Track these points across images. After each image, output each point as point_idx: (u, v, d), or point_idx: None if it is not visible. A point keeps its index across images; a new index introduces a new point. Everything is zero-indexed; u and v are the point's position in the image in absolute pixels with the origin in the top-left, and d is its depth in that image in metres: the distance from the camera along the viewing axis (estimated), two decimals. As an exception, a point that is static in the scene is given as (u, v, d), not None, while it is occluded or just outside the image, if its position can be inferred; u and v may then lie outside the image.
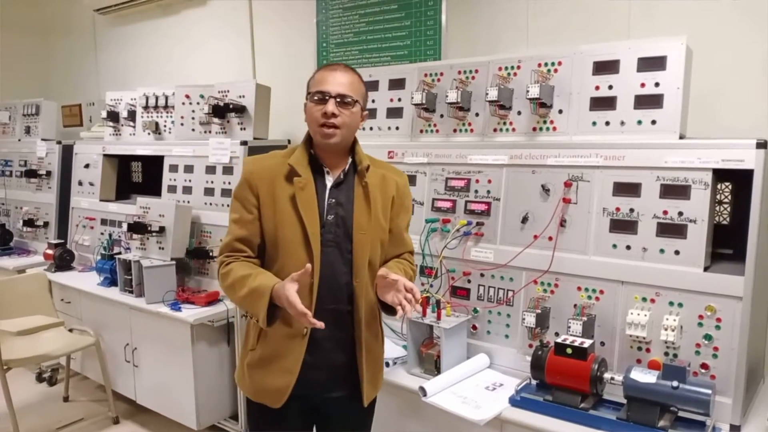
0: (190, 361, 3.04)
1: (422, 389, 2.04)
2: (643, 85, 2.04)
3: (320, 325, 1.59)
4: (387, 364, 2.27)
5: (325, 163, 1.82)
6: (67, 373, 3.87)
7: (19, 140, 4.89)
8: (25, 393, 3.92)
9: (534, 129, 2.29)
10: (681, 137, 1.98)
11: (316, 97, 1.75)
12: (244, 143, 3.21)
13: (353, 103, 1.76)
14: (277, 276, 1.70)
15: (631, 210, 1.99)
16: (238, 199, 1.80)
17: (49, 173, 4.49)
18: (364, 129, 2.79)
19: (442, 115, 2.54)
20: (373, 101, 2.77)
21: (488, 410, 1.93)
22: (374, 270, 1.80)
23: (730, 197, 2.16)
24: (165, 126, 3.79)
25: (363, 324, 1.79)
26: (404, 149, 2.59)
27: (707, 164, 1.86)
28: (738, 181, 2.04)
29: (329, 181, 1.81)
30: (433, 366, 2.22)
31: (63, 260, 3.95)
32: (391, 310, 1.75)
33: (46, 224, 4.48)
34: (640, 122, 2.05)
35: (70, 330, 3.57)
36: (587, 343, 1.88)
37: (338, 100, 1.73)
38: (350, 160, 1.84)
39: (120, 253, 3.54)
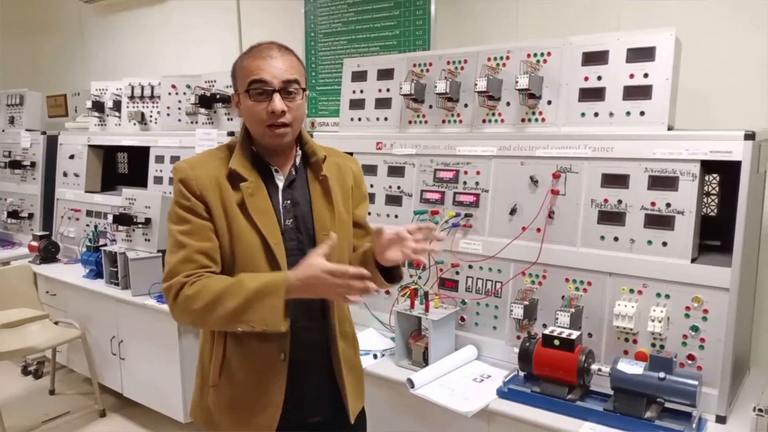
0: (177, 354, 3.02)
1: (410, 381, 2.04)
2: (632, 76, 2.04)
3: (374, 288, 1.38)
4: (375, 356, 2.27)
5: (272, 161, 1.57)
6: (53, 366, 3.84)
7: (3, 131, 4.84)
8: (11, 386, 3.89)
9: (523, 120, 2.28)
10: (669, 128, 1.98)
11: (254, 91, 1.48)
12: (231, 134, 3.18)
13: (301, 92, 1.52)
14: None
15: (619, 201, 1.99)
16: (183, 207, 1.49)
17: (33, 164, 4.44)
18: (352, 120, 2.78)
19: (430, 106, 2.53)
20: (362, 91, 2.75)
21: (476, 402, 1.93)
22: None
23: (717, 189, 2.16)
24: (151, 116, 3.75)
25: (339, 339, 1.62)
26: (392, 140, 2.57)
27: (695, 156, 1.85)
28: (726, 172, 2.04)
29: (280, 181, 1.58)
30: (420, 358, 2.21)
31: (48, 252, 3.92)
32: (395, 277, 1.61)
33: (30, 216, 4.43)
34: (628, 113, 2.04)
35: (56, 322, 3.54)
36: (575, 334, 1.88)
37: (283, 90, 1.48)
38: (299, 152, 1.62)
39: (106, 245, 3.50)
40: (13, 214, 4.39)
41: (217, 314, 1.42)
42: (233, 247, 1.51)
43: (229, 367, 1.56)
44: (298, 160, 1.62)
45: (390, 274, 1.62)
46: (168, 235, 1.53)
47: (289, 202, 1.57)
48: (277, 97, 1.47)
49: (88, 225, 3.93)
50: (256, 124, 1.51)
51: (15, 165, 4.46)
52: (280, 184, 1.58)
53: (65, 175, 4.17)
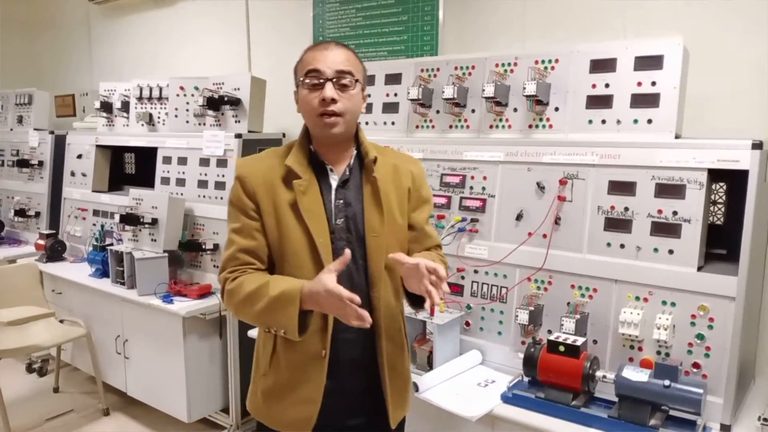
0: (181, 354, 3.03)
1: (415, 385, 2.04)
2: (639, 84, 2.04)
3: (368, 321, 1.37)
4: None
5: (327, 159, 1.60)
6: (58, 364, 3.85)
7: (11, 130, 4.86)
8: (15, 384, 3.89)
9: (530, 126, 2.29)
10: (677, 137, 1.98)
11: (309, 81, 1.51)
12: (238, 136, 3.19)
13: (353, 84, 1.53)
14: None
15: (626, 209, 1.99)
16: (236, 205, 1.58)
17: (41, 163, 4.46)
18: (360, 124, 2.78)
19: (438, 111, 2.54)
20: (369, 96, 2.75)
21: (480, 407, 1.93)
22: (395, 277, 1.60)
23: (724, 197, 2.17)
24: (159, 117, 3.77)
25: (384, 340, 1.61)
26: (400, 144, 2.57)
27: (702, 164, 1.86)
28: (733, 181, 2.04)
29: (334, 180, 1.59)
30: (425, 362, 2.22)
31: (54, 251, 3.93)
32: (418, 303, 1.58)
33: (37, 214, 4.45)
34: (636, 121, 2.05)
35: (61, 321, 3.55)
36: (580, 341, 1.88)
37: (336, 80, 1.50)
38: (355, 152, 1.63)
39: (112, 244, 3.52)
40: (21, 213, 4.41)
41: (249, 314, 1.51)
42: (282, 243, 1.55)
43: (278, 358, 1.60)
44: (353, 161, 1.63)
45: (415, 301, 1.60)
46: None
47: (341, 201, 1.58)
48: (329, 85, 1.49)
49: (94, 224, 3.95)
50: (309, 114, 1.54)
51: (23, 164, 4.48)
52: (334, 184, 1.59)
53: (73, 174, 4.19)
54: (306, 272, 1.52)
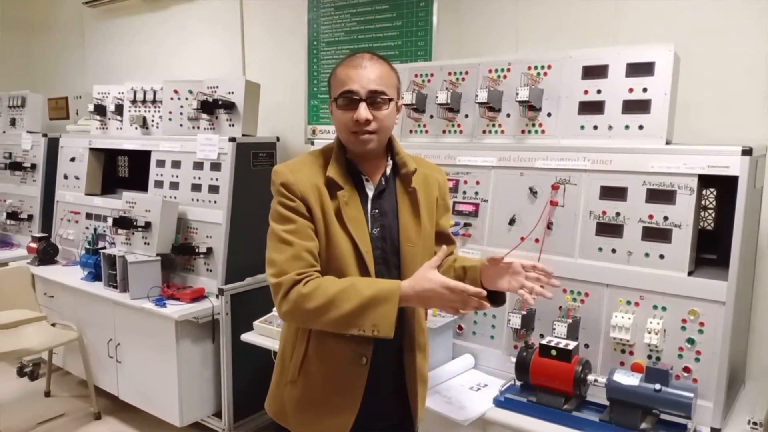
0: (174, 358, 3.02)
1: (407, 389, 2.04)
2: (631, 90, 2.06)
3: (488, 305, 1.51)
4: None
5: (363, 169, 1.62)
6: (49, 368, 3.84)
7: (4, 132, 4.84)
8: (6, 388, 3.88)
9: (523, 131, 2.30)
10: (668, 143, 2.00)
11: (342, 101, 1.53)
12: (232, 140, 3.19)
13: (387, 102, 1.54)
14: None
15: (617, 214, 2.01)
16: (288, 208, 1.54)
17: (34, 166, 4.45)
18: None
19: (431, 116, 2.55)
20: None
21: (472, 410, 1.93)
22: None
23: (714, 203, 2.18)
24: (152, 121, 3.77)
25: (412, 345, 1.67)
26: (393, 149, 2.58)
27: (693, 170, 1.88)
28: (723, 187, 2.06)
29: (370, 190, 1.62)
30: (418, 366, 2.22)
31: (47, 254, 3.92)
32: (498, 300, 1.64)
33: (30, 217, 4.44)
34: (627, 127, 2.06)
35: (53, 324, 3.54)
36: (572, 345, 1.89)
37: (369, 100, 1.52)
38: (389, 162, 1.65)
39: (105, 247, 3.51)
40: (13, 216, 4.40)
41: (331, 316, 1.46)
42: (328, 251, 1.56)
43: (309, 365, 1.61)
44: (388, 171, 1.65)
45: (494, 298, 1.64)
46: (269, 235, 1.57)
47: (377, 211, 1.61)
48: (362, 105, 1.51)
49: (87, 227, 3.93)
50: (343, 131, 1.57)
51: (15, 166, 4.47)
52: (370, 194, 1.62)
53: (65, 177, 4.18)
54: None
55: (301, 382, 1.62)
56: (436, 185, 1.72)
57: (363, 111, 1.50)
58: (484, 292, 1.47)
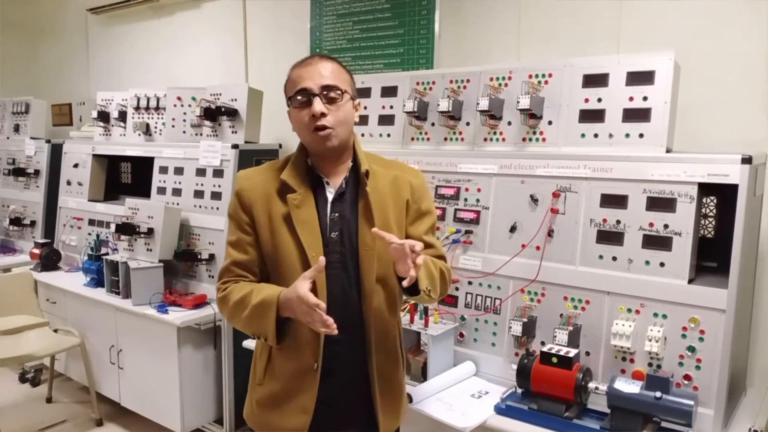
0: (175, 364, 3.03)
1: (409, 396, 2.04)
2: (631, 98, 2.07)
3: (333, 328, 1.39)
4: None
5: (324, 172, 1.62)
6: (51, 373, 3.84)
7: (8, 138, 4.86)
8: (8, 393, 3.88)
9: (524, 139, 2.31)
10: (668, 151, 2.01)
11: (298, 99, 1.54)
12: (235, 146, 3.21)
13: (342, 95, 1.54)
14: None
15: (618, 222, 2.02)
16: (233, 218, 1.63)
17: (37, 172, 4.46)
18: (356, 136, 2.80)
19: (433, 124, 2.56)
20: (366, 108, 2.78)
21: (473, 418, 1.94)
22: (390, 290, 1.63)
23: (715, 211, 2.19)
24: (156, 127, 3.79)
25: (375, 352, 1.62)
26: (395, 156, 2.56)
27: (693, 178, 1.88)
28: (723, 195, 2.07)
29: (330, 194, 1.61)
30: (419, 372, 2.22)
31: (49, 260, 3.93)
32: (413, 291, 1.51)
33: (33, 223, 4.45)
34: (628, 135, 2.07)
35: (55, 330, 3.55)
36: (572, 352, 1.90)
37: (324, 94, 1.52)
38: (351, 165, 1.64)
39: (107, 254, 3.52)
40: (16, 221, 4.41)
41: (239, 322, 1.58)
42: (276, 256, 1.58)
43: (273, 367, 1.64)
44: (349, 173, 1.64)
45: (411, 289, 1.52)
46: None
47: (336, 215, 1.59)
48: (316, 100, 1.51)
49: (90, 234, 3.94)
50: (303, 131, 1.57)
51: (19, 172, 4.48)
52: (330, 197, 1.61)
53: (69, 183, 4.20)
54: None
55: (266, 383, 1.65)
56: (407, 188, 1.66)
57: (317, 104, 1.51)
58: (323, 305, 1.39)
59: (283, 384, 1.61)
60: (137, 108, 3.84)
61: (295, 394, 1.59)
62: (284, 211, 1.57)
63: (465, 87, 2.48)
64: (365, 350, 1.62)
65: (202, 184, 3.34)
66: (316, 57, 1.58)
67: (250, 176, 1.65)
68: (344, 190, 1.62)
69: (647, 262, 1.95)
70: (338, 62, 1.61)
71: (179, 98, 3.58)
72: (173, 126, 3.61)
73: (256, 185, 1.61)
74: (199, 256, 3.22)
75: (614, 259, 2.01)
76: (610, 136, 2.11)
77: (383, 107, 2.74)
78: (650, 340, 1.87)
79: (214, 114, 3.33)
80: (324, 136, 1.53)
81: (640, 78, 2.06)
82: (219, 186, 3.26)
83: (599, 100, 2.14)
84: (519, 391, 2.01)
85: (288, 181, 1.57)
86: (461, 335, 2.35)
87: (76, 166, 4.16)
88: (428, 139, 2.58)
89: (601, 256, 2.04)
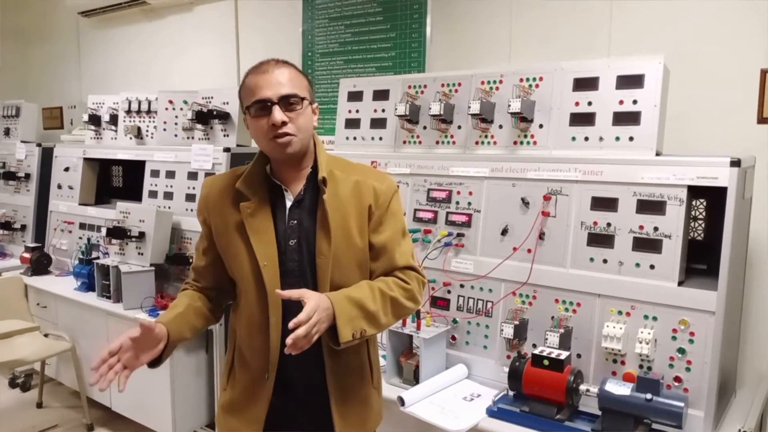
0: (167, 369, 3.01)
1: (400, 399, 2.05)
2: (621, 102, 2.08)
3: (120, 384, 1.53)
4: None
5: (283, 179, 1.57)
6: (42, 378, 3.81)
7: (-2, 142, 4.84)
8: (-2, 399, 3.85)
9: (515, 143, 2.32)
10: (657, 154, 2.02)
11: (255, 110, 1.48)
12: (227, 150, 3.20)
13: (300, 102, 1.50)
14: (236, 317, 1.61)
15: (608, 224, 2.03)
16: (200, 223, 1.65)
17: (27, 176, 4.44)
18: (347, 139, 2.81)
19: (425, 127, 2.57)
20: (357, 111, 2.79)
21: (466, 421, 1.94)
22: None
23: (704, 213, 2.21)
24: (147, 131, 3.78)
25: (332, 363, 1.57)
26: (387, 159, 2.60)
27: (682, 181, 1.90)
28: (712, 198, 2.08)
29: (289, 201, 1.56)
30: (411, 376, 2.22)
31: (40, 264, 3.90)
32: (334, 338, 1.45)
33: (23, 227, 4.42)
34: (618, 138, 2.09)
35: (46, 335, 3.52)
36: (564, 354, 1.91)
37: (282, 103, 1.47)
38: (310, 171, 1.59)
39: (98, 258, 3.50)
40: (6, 226, 4.38)
41: None
42: (231, 266, 1.59)
43: (234, 374, 1.66)
44: (307, 180, 1.58)
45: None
46: None
47: (295, 222, 1.55)
48: (276, 108, 1.46)
49: (81, 238, 3.92)
50: (262, 140, 1.51)
51: (9, 176, 4.46)
52: (288, 204, 1.57)
53: (59, 187, 4.18)
54: (251, 295, 1.54)
55: (229, 388, 1.67)
56: (370, 193, 1.58)
57: (277, 114, 1.46)
58: (114, 349, 1.53)
59: (240, 392, 1.63)
60: (128, 111, 3.83)
61: (249, 404, 1.60)
62: (238, 219, 1.54)
63: (456, 90, 2.49)
64: (323, 361, 1.57)
65: (193, 188, 3.33)
66: (272, 62, 1.52)
67: (211, 183, 1.64)
68: (302, 197, 1.57)
69: (637, 265, 1.96)
70: (294, 67, 1.56)
71: (171, 102, 3.57)
72: (165, 129, 3.60)
73: (218, 191, 1.59)
74: (190, 260, 3.21)
75: (605, 261, 2.02)
76: (601, 139, 2.12)
77: (375, 111, 2.75)
78: (641, 342, 1.88)
79: (205, 117, 3.33)
80: (283, 143, 1.49)
81: (629, 81, 2.07)
82: (211, 189, 3.24)
83: (589, 103, 2.15)
84: (511, 393, 2.02)
85: (242, 189, 1.54)
86: (453, 338, 2.35)
87: (67, 169, 4.14)
88: (420, 142, 2.59)
89: (591, 259, 2.05)
